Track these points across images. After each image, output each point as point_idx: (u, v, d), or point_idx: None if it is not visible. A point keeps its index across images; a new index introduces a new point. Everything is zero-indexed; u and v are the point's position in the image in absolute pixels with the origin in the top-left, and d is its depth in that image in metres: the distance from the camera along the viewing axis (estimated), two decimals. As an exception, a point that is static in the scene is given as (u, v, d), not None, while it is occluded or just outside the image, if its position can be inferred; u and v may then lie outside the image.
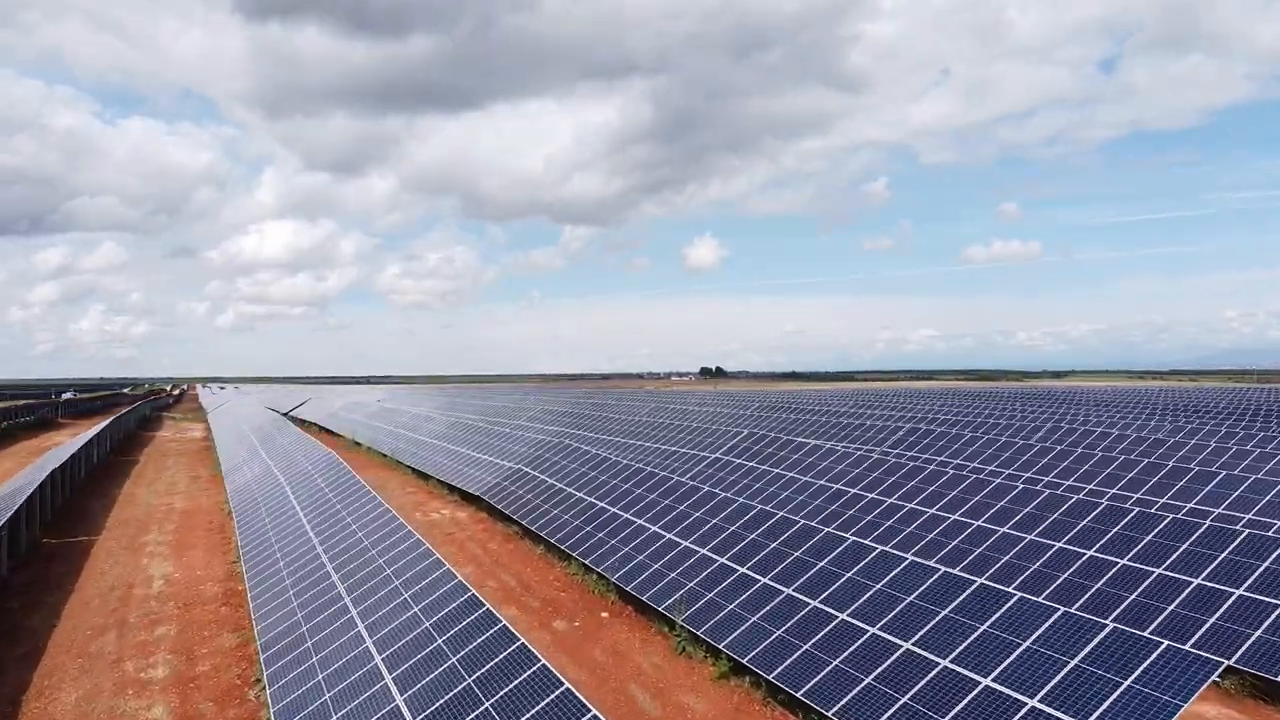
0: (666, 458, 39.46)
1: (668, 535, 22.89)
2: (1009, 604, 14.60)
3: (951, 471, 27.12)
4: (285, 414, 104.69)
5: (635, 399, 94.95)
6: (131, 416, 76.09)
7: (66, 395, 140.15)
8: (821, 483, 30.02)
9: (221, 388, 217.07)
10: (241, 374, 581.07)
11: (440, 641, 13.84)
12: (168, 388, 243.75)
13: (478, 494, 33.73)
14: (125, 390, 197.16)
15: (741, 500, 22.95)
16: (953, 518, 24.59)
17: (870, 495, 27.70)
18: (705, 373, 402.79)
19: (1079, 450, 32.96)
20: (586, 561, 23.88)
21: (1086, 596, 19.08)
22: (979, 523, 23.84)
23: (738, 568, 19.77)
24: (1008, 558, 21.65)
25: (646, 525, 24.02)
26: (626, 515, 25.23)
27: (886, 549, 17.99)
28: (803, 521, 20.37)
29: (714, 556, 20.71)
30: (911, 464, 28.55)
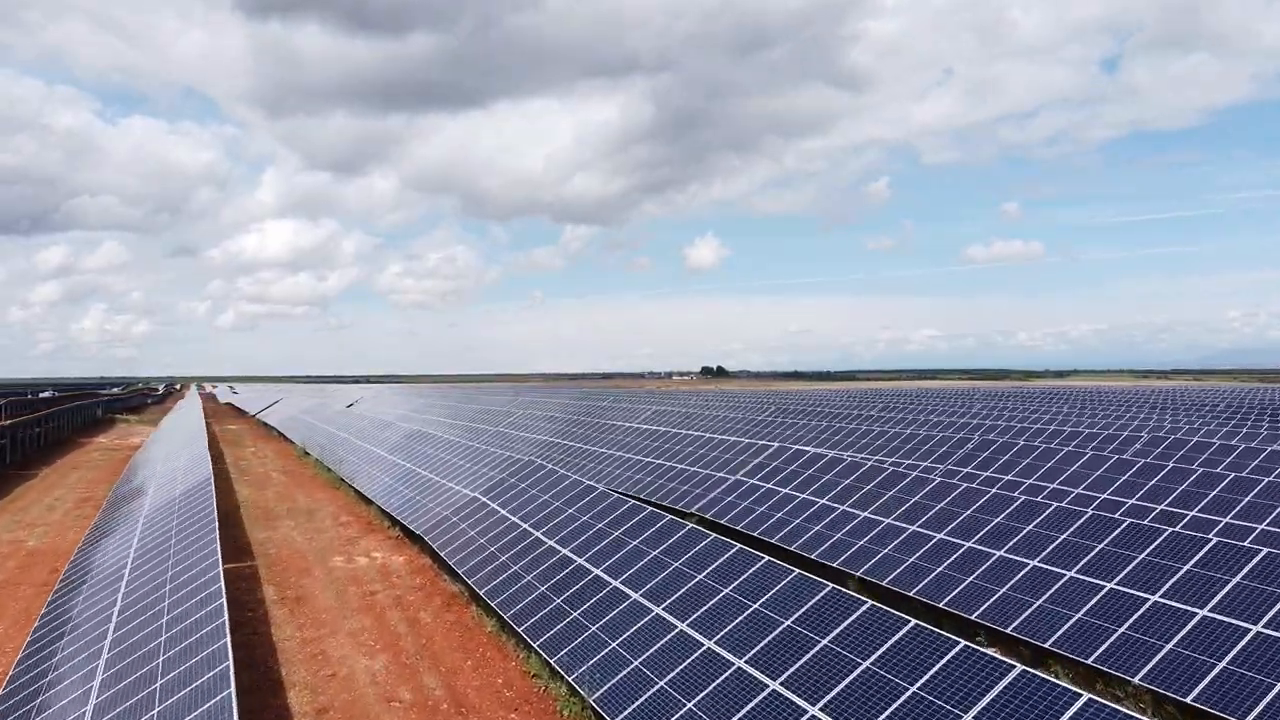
0: (670, 479, 31.01)
1: (679, 625, 14.43)
2: None
3: (1091, 511, 18.64)
4: (254, 415, 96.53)
5: (635, 401, 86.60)
6: (65, 418, 67.54)
7: (44, 395, 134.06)
8: (911, 528, 21.54)
9: (214, 388, 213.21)
10: (243, 373, 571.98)
11: None
12: (159, 387, 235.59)
13: (420, 533, 25.29)
14: (116, 390, 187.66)
15: (798, 568, 14.44)
16: (1131, 593, 16.14)
17: (976, 546, 19.24)
18: (706, 372, 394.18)
19: (1230, 473, 24.47)
20: (553, 660, 15.43)
21: None
22: (1156, 598, 15.40)
23: (806, 708, 11.31)
24: None
25: (645, 604, 15.55)
26: (615, 583, 16.76)
27: (1085, 694, 9.55)
28: (914, 622, 11.87)
29: (761, 679, 12.25)
30: (1026, 497, 20.05)
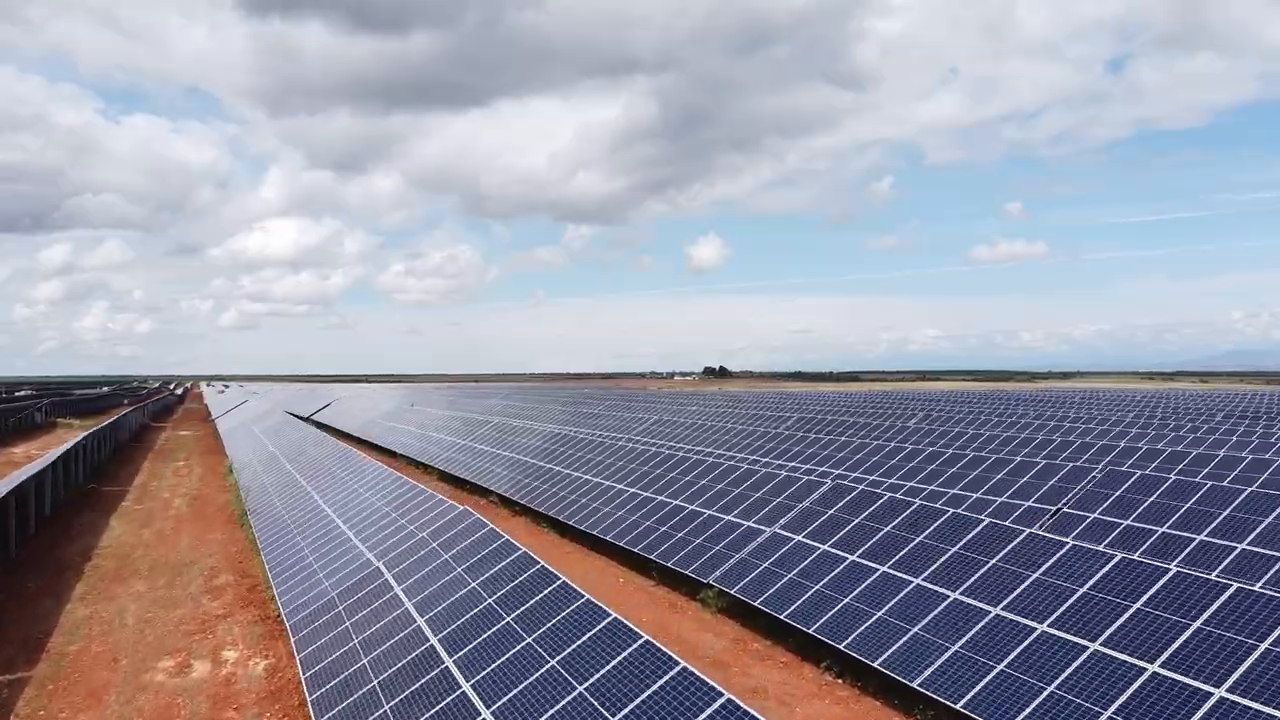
0: (678, 525, 22.23)
1: None
2: None
3: None
4: (216, 418, 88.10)
5: (633, 408, 78.02)
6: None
7: (21, 393, 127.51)
8: (1093, 647, 12.73)
9: (209, 385, 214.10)
10: (247, 372, 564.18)
11: None
12: (151, 385, 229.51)
13: (289, 622, 16.54)
14: (105, 388, 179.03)
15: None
16: None
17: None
18: (709, 372, 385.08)
19: None
20: None
21: None
22: None
23: None
24: None
25: None
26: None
27: None
28: None
29: None
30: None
